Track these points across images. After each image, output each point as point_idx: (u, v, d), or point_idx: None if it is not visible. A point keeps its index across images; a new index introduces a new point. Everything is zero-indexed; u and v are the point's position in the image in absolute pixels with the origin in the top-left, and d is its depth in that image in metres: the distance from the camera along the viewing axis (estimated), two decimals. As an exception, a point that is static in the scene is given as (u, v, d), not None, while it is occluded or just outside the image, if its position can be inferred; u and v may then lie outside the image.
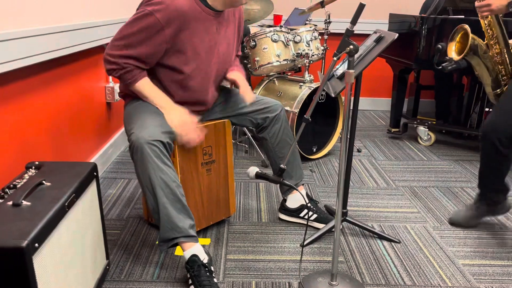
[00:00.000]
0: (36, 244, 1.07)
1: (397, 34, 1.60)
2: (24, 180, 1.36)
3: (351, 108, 1.68)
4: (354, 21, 1.34)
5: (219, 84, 1.92)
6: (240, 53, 2.07)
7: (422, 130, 3.31)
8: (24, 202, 1.20)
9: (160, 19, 1.56)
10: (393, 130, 3.46)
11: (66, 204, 1.26)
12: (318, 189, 2.50)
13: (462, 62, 2.01)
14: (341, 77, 1.74)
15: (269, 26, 3.79)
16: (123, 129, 2.97)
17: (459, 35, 1.99)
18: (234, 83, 1.89)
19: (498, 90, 2.03)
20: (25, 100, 1.71)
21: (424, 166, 2.88)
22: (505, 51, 1.95)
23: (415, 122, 3.40)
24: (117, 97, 2.66)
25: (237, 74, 1.90)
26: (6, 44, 1.48)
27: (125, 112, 1.75)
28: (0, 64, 1.45)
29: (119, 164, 2.73)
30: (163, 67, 1.68)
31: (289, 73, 3.35)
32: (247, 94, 1.87)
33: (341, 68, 1.80)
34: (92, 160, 2.42)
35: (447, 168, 2.86)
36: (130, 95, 1.76)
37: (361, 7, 1.34)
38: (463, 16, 2.95)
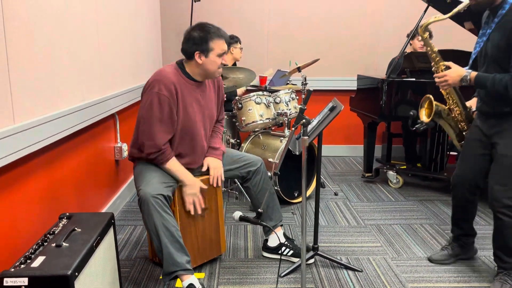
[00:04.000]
0: (76, 273, 1.49)
1: (343, 106, 2.09)
2: (60, 228, 1.79)
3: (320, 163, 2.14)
4: (305, 102, 1.83)
5: (207, 141, 2.36)
6: (223, 116, 2.53)
7: (391, 174, 3.77)
8: (64, 244, 1.63)
9: (165, 93, 2.05)
10: (366, 174, 3.92)
11: (94, 244, 1.69)
12: (297, 228, 2.91)
13: (431, 123, 2.46)
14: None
15: (257, 86, 4.35)
16: (129, 182, 3.41)
17: (426, 103, 2.43)
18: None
19: (463, 142, 2.41)
20: (55, 164, 2.16)
21: (391, 206, 3.32)
22: (464, 112, 2.37)
23: (385, 167, 3.87)
24: (124, 155, 3.12)
25: (209, 161, 2.31)
26: (42, 127, 1.94)
27: (134, 172, 2.21)
28: (42, 141, 1.92)
29: (126, 212, 3.16)
30: None
31: (273, 128, 3.84)
32: (214, 179, 2.30)
33: (310, 127, 2.28)
34: (104, 209, 2.85)
35: (411, 207, 3.29)
36: (138, 159, 2.23)
37: (310, 92, 1.83)
38: (414, 79, 3.48)
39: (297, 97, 3.60)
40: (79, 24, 2.38)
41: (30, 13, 1.86)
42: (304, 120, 1.83)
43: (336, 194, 3.59)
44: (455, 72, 2.12)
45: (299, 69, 3.64)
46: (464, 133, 2.41)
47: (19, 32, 1.76)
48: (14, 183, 1.78)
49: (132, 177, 2.91)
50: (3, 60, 1.66)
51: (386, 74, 3.62)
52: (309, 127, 2.16)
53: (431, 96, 2.38)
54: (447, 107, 2.39)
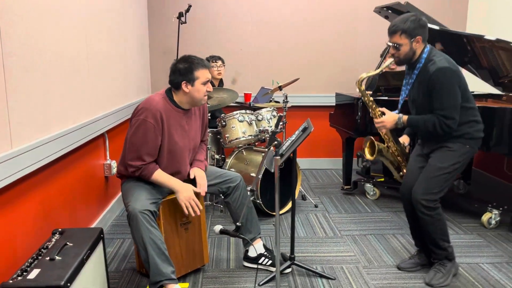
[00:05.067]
0: (69, 284, 1.65)
1: (313, 128, 2.29)
2: (53, 242, 1.96)
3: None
4: (276, 126, 2.03)
5: (190, 162, 2.55)
6: (206, 137, 2.73)
7: (368, 186, 3.98)
8: (57, 257, 1.80)
9: (151, 121, 2.24)
10: (345, 187, 4.12)
11: (84, 257, 1.86)
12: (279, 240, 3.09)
13: (375, 160, 2.81)
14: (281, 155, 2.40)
15: (241, 103, 4.56)
16: (118, 196, 3.57)
17: (368, 143, 2.88)
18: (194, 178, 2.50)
19: (401, 173, 2.87)
20: (48, 183, 2.33)
21: (367, 217, 3.51)
22: (399, 149, 2.79)
23: (362, 180, 4.07)
24: (113, 171, 3.29)
25: (196, 171, 2.49)
26: (36, 150, 2.11)
27: (123, 189, 2.39)
28: (36, 163, 2.09)
29: (115, 226, 3.31)
30: None
31: (256, 143, 4.03)
32: (201, 188, 2.45)
33: (284, 147, 2.47)
34: (94, 224, 3.01)
35: (385, 218, 3.50)
36: (126, 176, 2.41)
37: (280, 117, 2.03)
38: (386, 97, 3.71)
39: (279, 114, 3.80)
40: (71, 54, 2.56)
41: (26, 48, 2.04)
42: (276, 142, 2.02)
43: (316, 206, 3.78)
44: (390, 117, 2.52)
45: (280, 88, 3.85)
46: (401, 165, 2.82)
47: (16, 67, 1.94)
48: (11, 202, 1.95)
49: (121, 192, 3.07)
50: (2, 92, 1.84)
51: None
52: (284, 146, 2.35)
53: (372, 137, 2.82)
54: (385, 145, 2.80)
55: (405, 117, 2.47)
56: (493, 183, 4.28)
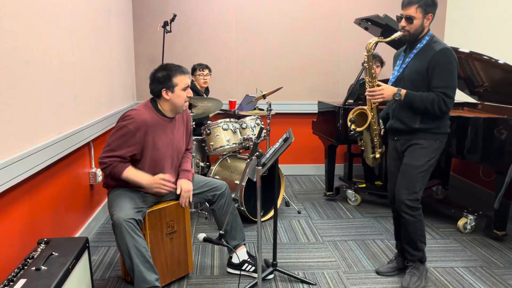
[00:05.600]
0: (54, 293, 1.70)
1: (293, 138, 2.37)
2: (38, 252, 1.99)
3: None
4: (258, 137, 2.11)
5: (175, 169, 2.60)
6: (191, 146, 2.78)
7: (350, 192, 4.07)
8: (43, 267, 1.84)
9: (131, 128, 2.30)
10: (328, 193, 4.21)
11: (70, 267, 1.90)
12: (262, 246, 3.16)
13: (362, 133, 2.74)
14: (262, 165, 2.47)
15: (226, 111, 4.63)
16: (103, 204, 3.60)
17: (357, 113, 2.71)
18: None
19: (373, 155, 2.79)
20: (34, 193, 2.36)
21: (348, 223, 3.61)
22: (378, 127, 2.71)
23: (344, 186, 4.17)
24: (98, 179, 3.32)
25: (182, 184, 2.53)
26: (22, 162, 2.15)
27: (108, 198, 2.43)
28: (22, 174, 2.13)
29: (100, 234, 3.34)
30: (133, 160, 2.39)
31: (241, 151, 4.09)
32: (182, 201, 2.52)
33: (266, 157, 2.54)
34: (79, 232, 3.03)
35: (366, 224, 3.59)
36: (111, 186, 2.45)
37: (261, 129, 2.10)
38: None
39: (262, 123, 3.88)
40: (57, 65, 2.60)
41: (13, 61, 2.07)
42: (257, 153, 2.10)
43: (299, 212, 3.86)
44: (390, 88, 2.48)
45: (264, 96, 3.93)
46: (376, 145, 2.76)
47: (1, 80, 1.98)
48: (-3, 213, 1.98)
49: (106, 200, 3.10)
50: (-11, 105, 1.87)
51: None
52: (266, 156, 2.42)
53: (366, 108, 2.66)
54: (372, 120, 2.70)
55: (403, 90, 2.43)
56: (470, 188, 4.42)
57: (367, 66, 2.57)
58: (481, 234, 3.36)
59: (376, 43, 2.59)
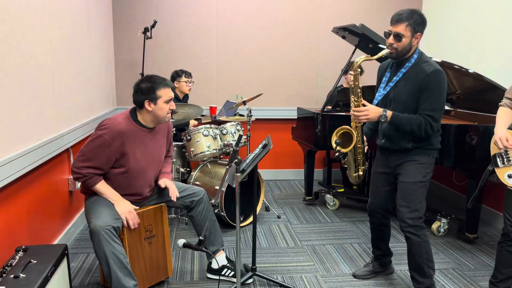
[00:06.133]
0: (33, 301, 1.70)
1: (272, 145, 2.42)
2: (17, 260, 1.99)
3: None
4: (236, 145, 2.15)
5: (154, 179, 2.63)
6: (171, 153, 2.81)
7: (328, 197, 4.15)
8: (21, 275, 1.84)
9: (107, 138, 2.31)
10: (307, 198, 4.28)
11: (49, 274, 1.90)
12: (242, 251, 3.20)
13: (346, 154, 2.76)
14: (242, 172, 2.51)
15: (206, 116, 4.65)
16: (82, 211, 3.58)
17: (340, 133, 2.69)
18: (165, 187, 2.60)
19: (356, 174, 2.81)
20: (12, 200, 2.35)
21: (327, 227, 3.68)
22: (362, 146, 2.72)
23: (323, 191, 4.25)
24: (77, 186, 3.31)
25: (166, 181, 2.60)
26: (2, 168, 2.15)
27: (86, 205, 2.44)
28: (2, 180, 2.12)
29: (79, 241, 3.33)
30: (113, 170, 2.40)
31: (222, 156, 4.13)
32: (173, 195, 2.57)
33: (245, 164, 2.59)
34: (58, 239, 3.02)
35: (344, 228, 3.67)
36: (88, 192, 2.46)
37: (240, 136, 2.15)
38: (343, 113, 3.90)
39: (243, 128, 3.92)
40: (35, 74, 2.60)
41: (-10, 67, 2.08)
42: (236, 160, 2.14)
43: (279, 217, 3.91)
44: (375, 109, 2.39)
45: (244, 103, 3.98)
46: (359, 165, 2.75)
47: (-20, 86, 1.98)
48: (-26, 221, 1.97)
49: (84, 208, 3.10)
50: (-34, 112, 1.87)
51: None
52: (245, 162, 2.46)
53: (350, 128, 2.64)
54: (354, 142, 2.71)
55: (389, 112, 2.38)
56: (444, 192, 4.55)
57: (353, 85, 2.50)
58: (454, 237, 3.48)
59: (362, 61, 2.53)
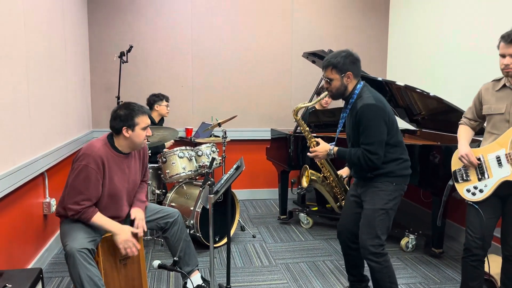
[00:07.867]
0: (8, 324, 1.73)
1: (244, 167, 2.52)
2: (-9, 285, 2.01)
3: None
4: (210, 167, 2.24)
5: (130, 202, 2.68)
6: (146, 178, 2.87)
7: (302, 216, 4.26)
8: (-5, 299, 1.86)
9: (93, 167, 2.37)
10: (281, 217, 4.38)
11: (23, 298, 1.93)
12: (217, 271, 3.25)
13: (309, 188, 2.90)
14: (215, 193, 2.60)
15: (182, 138, 4.73)
16: (57, 234, 3.58)
17: (306, 171, 2.94)
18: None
19: (338, 204, 2.95)
20: (-14, 225, 2.37)
21: (301, 246, 3.77)
22: (336, 179, 2.89)
23: (296, 210, 4.36)
24: (52, 209, 3.32)
25: (137, 213, 2.60)
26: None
27: (61, 228, 2.47)
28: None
29: (53, 264, 3.32)
30: None
31: (197, 177, 4.20)
32: (140, 228, 2.56)
33: (219, 185, 2.67)
34: (32, 263, 3.01)
35: (317, 246, 3.77)
36: (64, 216, 2.49)
37: (213, 159, 2.25)
38: (315, 134, 4.04)
39: (218, 150, 4.02)
40: (11, 100, 2.65)
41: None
42: (209, 182, 2.23)
43: (254, 236, 3.99)
44: (323, 148, 2.59)
45: (219, 124, 4.09)
46: (339, 196, 2.91)
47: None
48: None
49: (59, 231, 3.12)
50: None
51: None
52: (219, 184, 2.55)
53: (307, 166, 2.92)
54: (321, 175, 2.91)
55: (335, 149, 2.54)
56: (411, 209, 4.73)
57: (302, 130, 2.75)
58: (422, 252, 3.62)
59: (305, 108, 2.78)
